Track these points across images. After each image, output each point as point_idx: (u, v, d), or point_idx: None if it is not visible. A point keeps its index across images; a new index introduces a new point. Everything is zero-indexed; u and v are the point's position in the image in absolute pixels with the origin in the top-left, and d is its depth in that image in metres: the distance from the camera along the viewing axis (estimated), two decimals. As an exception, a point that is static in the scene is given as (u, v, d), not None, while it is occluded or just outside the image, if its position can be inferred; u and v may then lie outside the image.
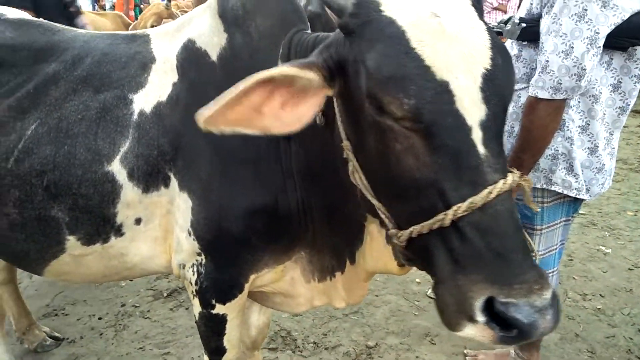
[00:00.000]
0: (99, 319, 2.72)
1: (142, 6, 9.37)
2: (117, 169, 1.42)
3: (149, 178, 1.43)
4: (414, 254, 1.01)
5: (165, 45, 1.51)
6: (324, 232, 1.43)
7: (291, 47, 1.33)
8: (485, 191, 0.86)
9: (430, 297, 2.90)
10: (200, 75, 1.41)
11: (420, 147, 0.89)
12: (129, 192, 1.44)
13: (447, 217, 0.88)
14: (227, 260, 1.49)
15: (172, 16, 4.48)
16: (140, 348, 2.48)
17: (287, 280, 1.59)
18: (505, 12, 5.72)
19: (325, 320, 2.67)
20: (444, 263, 0.91)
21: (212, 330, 1.63)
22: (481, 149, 0.88)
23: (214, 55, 1.40)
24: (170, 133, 1.40)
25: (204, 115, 0.94)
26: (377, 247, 1.34)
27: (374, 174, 1.03)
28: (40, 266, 1.58)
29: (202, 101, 1.36)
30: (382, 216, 1.04)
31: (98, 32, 1.67)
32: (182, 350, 2.46)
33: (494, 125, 0.90)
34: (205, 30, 1.44)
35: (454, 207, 0.87)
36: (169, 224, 1.51)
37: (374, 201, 1.05)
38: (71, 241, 1.49)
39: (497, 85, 0.91)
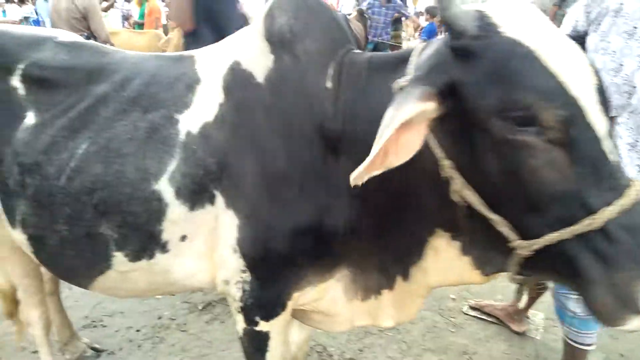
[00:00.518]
0: (137, 331, 2.76)
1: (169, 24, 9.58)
2: (164, 187, 1.44)
3: (195, 196, 1.45)
4: (544, 261, 1.05)
5: (210, 67, 1.53)
6: (372, 251, 1.42)
7: (342, 68, 1.34)
8: (632, 193, 0.94)
9: (467, 314, 2.85)
10: (246, 97, 1.43)
11: (561, 159, 0.96)
12: (176, 209, 1.46)
13: (595, 221, 0.94)
14: (271, 278, 1.50)
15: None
16: (178, 361, 2.51)
17: (329, 298, 1.58)
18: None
19: (361, 336, 2.65)
20: (590, 265, 0.97)
21: (255, 347, 1.63)
22: (611, 157, 0.97)
23: (260, 77, 1.42)
24: (216, 153, 1.42)
25: (357, 177, 1.03)
26: (445, 261, 1.31)
27: (495, 190, 1.06)
28: (88, 281, 1.62)
29: (248, 122, 1.42)
30: (504, 229, 1.07)
31: (145, 54, 1.71)
32: (218, 364, 2.47)
33: (610, 134, 0.99)
34: (252, 52, 1.46)
35: (605, 211, 0.94)
36: (214, 241, 1.52)
37: (493, 216, 1.07)
38: (118, 258, 1.52)
39: (603, 98, 1.00)
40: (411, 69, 1.19)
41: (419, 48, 1.24)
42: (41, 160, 1.51)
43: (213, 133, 1.43)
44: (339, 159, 1.35)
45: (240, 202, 1.43)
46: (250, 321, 1.57)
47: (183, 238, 1.51)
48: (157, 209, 1.46)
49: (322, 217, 1.39)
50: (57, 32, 1.78)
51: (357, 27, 7.88)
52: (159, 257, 1.53)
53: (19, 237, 1.61)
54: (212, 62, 1.54)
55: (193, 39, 2.96)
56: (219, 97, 1.47)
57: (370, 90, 1.31)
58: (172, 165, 1.44)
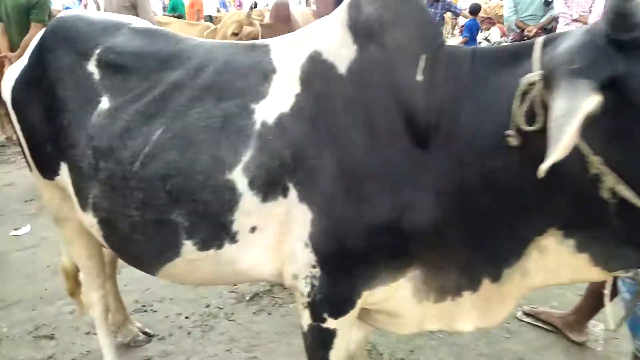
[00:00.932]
0: (186, 317, 2.78)
1: (215, 17, 9.63)
2: (238, 177, 1.42)
3: (269, 188, 1.42)
4: None
5: (286, 56, 1.50)
6: (456, 250, 1.36)
7: (438, 61, 1.28)
8: None
9: (521, 320, 2.75)
10: (326, 88, 1.38)
11: None
12: (248, 200, 1.43)
13: None
14: (342, 275, 1.46)
15: (252, 24, 4.54)
16: (227, 350, 2.51)
17: (397, 298, 1.53)
18: (585, 24, 5.43)
19: (412, 336, 2.59)
20: None
21: (320, 343, 1.60)
22: None
23: (342, 68, 1.37)
24: (292, 145, 1.39)
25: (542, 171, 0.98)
26: (553, 260, 1.26)
27: None
28: (155, 268, 1.62)
29: (328, 114, 1.37)
30: None
31: (219, 42, 1.70)
32: (268, 356, 2.46)
33: None
34: (333, 42, 1.41)
35: None
36: (283, 234, 1.49)
37: None
38: (187, 246, 1.51)
39: None
40: (537, 64, 1.13)
41: (540, 42, 1.17)
42: (115, 144, 1.51)
43: (290, 124, 1.40)
44: (427, 154, 1.30)
45: (315, 196, 1.39)
46: (317, 317, 1.53)
47: (253, 229, 1.49)
48: (229, 199, 1.44)
49: (404, 214, 1.34)
50: (132, 18, 1.79)
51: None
52: (227, 247, 1.52)
53: (89, 220, 1.62)
54: (288, 52, 1.51)
55: None
56: (296, 87, 1.43)
57: (477, 85, 1.25)
58: (247, 156, 1.41)
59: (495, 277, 1.36)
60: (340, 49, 1.39)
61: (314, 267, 1.46)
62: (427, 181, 1.30)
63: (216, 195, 1.44)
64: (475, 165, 1.25)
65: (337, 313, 1.51)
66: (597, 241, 1.18)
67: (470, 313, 1.45)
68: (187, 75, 1.54)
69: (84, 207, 1.63)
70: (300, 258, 1.47)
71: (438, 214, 1.32)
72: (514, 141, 1.15)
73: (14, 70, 1.79)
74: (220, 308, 2.87)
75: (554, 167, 0.99)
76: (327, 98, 1.37)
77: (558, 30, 5.86)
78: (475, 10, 9.24)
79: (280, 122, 1.41)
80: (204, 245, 1.51)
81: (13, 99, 1.76)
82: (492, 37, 9.78)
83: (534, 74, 1.10)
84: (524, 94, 1.12)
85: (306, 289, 1.50)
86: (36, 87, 1.69)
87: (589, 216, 1.15)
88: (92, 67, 1.64)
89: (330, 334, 1.55)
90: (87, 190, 1.59)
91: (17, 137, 1.87)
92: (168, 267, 1.58)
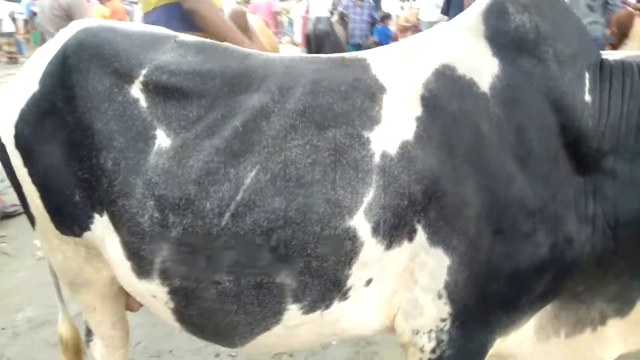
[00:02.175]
0: (196, 374, 2.41)
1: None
2: (360, 223, 1.17)
3: (394, 232, 1.20)
4: None
5: (394, 72, 1.28)
6: (613, 278, 1.23)
7: (605, 77, 1.14)
8: None
9: None
10: (465, 108, 1.18)
11: None
12: (370, 249, 1.19)
13: None
14: (481, 325, 1.27)
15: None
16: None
17: (516, 339, 1.37)
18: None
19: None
20: None
21: None
22: None
23: (484, 85, 1.18)
24: (424, 178, 1.17)
25: None
26: None
27: None
28: (244, 340, 1.31)
29: (469, 139, 1.17)
30: None
31: (295, 56, 1.43)
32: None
33: None
34: (466, 54, 1.22)
35: None
36: (403, 284, 1.27)
37: None
38: (291, 311, 1.24)
39: None
40: None
41: None
42: (192, 193, 1.19)
43: (418, 154, 1.18)
44: (591, 180, 1.15)
45: (453, 238, 1.18)
46: None
47: (368, 282, 1.25)
48: (349, 250, 1.19)
49: (566, 249, 1.17)
50: (173, 32, 1.45)
51: (339, 31, 7.70)
52: (335, 306, 1.26)
53: (152, 288, 1.28)
54: (395, 67, 1.28)
55: None
56: (416, 109, 1.22)
57: None
58: (369, 196, 1.17)
59: None
60: (480, 63, 1.20)
61: (443, 320, 1.25)
62: (590, 210, 1.15)
63: (334, 248, 1.18)
64: None
65: None
66: None
67: (612, 338, 1.32)
68: (272, 98, 1.26)
69: (143, 273, 1.28)
70: (428, 311, 1.25)
71: (601, 244, 1.17)
72: None
73: (13, 98, 1.38)
74: (233, 356, 2.53)
75: None
76: (467, 120, 1.18)
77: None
78: (384, 17, 9.57)
79: (406, 152, 1.18)
80: (311, 308, 1.24)
81: (18, 136, 1.35)
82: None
83: None
84: None
85: (429, 345, 1.29)
86: (57, 119, 1.31)
87: None
88: (136, 92, 1.29)
89: None
90: (151, 253, 1.24)
91: (16, 187, 1.44)
92: (262, 337, 1.29)
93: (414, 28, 10.74)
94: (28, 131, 1.34)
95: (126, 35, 1.37)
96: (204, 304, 1.25)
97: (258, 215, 1.17)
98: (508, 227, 1.16)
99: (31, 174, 1.37)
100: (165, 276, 1.25)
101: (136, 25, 1.51)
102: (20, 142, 1.36)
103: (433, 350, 1.29)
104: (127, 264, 1.30)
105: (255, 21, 5.15)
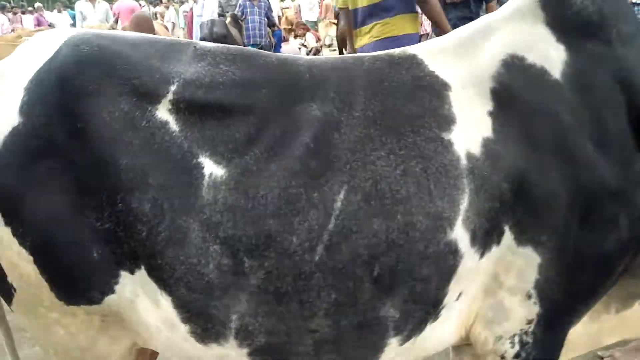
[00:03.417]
0: None
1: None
2: (460, 234, 1.07)
3: (488, 238, 1.11)
4: None
5: (452, 66, 1.18)
6: None
7: None
8: None
9: None
10: (541, 98, 1.13)
11: None
12: (468, 261, 1.10)
13: None
14: (564, 319, 1.24)
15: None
16: None
17: None
18: (421, 24, 6.04)
19: None
20: None
21: None
22: None
23: (555, 72, 1.14)
24: (511, 176, 1.10)
25: None
26: None
27: None
28: None
29: (550, 129, 1.13)
30: None
31: (337, 58, 1.26)
32: None
33: None
34: (530, 43, 1.16)
35: None
36: (481, 290, 1.19)
37: None
38: (391, 345, 1.10)
39: None
40: None
41: None
42: (272, 227, 1.00)
43: (501, 150, 1.11)
44: None
45: (543, 233, 1.13)
46: None
47: (459, 296, 1.16)
48: (450, 266, 1.08)
49: (638, 227, 1.17)
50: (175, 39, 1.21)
51: (235, 33, 7.44)
52: (427, 328, 1.15)
53: (228, 353, 1.05)
54: (451, 62, 1.19)
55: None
56: (485, 103, 1.14)
57: None
58: (465, 202, 1.08)
59: None
60: (547, 50, 1.15)
61: (529, 321, 1.20)
62: None
63: (437, 266, 1.06)
64: None
65: None
66: None
67: None
68: (334, 106, 1.10)
69: (211, 336, 1.04)
70: (515, 314, 1.19)
71: None
72: None
73: None
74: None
75: None
76: (545, 110, 1.12)
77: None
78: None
79: (489, 151, 1.10)
80: (408, 337, 1.11)
81: None
82: (308, 42, 10.16)
83: None
84: None
85: (513, 350, 1.23)
86: (56, 159, 1.02)
87: None
88: (164, 113, 1.05)
89: None
90: (224, 309, 1.01)
91: None
92: None
93: (303, 27, 10.87)
94: (10, 180, 1.02)
95: (132, 44, 1.11)
96: (298, 357, 1.05)
97: (356, 243, 1.00)
98: (594, 214, 1.13)
99: (19, 236, 1.05)
100: (244, 335, 1.03)
101: (145, 36, 1.22)
102: (1, 195, 1.03)
103: (517, 355, 1.22)
104: (184, 329, 1.05)
105: (157, 28, 4.77)
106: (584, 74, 1.14)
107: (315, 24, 12.59)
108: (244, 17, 7.84)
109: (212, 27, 6.82)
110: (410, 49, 1.25)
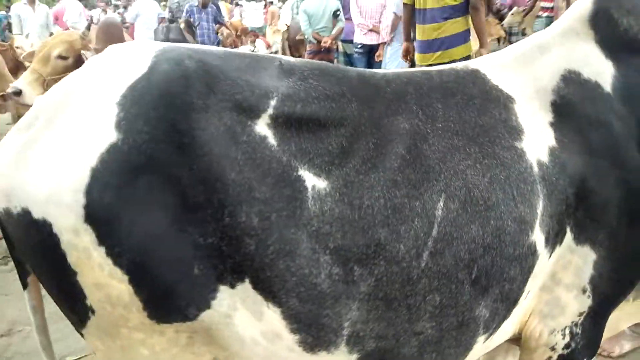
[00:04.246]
0: None
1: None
2: (537, 236, 1.17)
3: (556, 239, 1.22)
4: None
5: (513, 81, 1.28)
6: None
7: None
8: None
9: None
10: (596, 110, 1.25)
11: None
12: (542, 261, 1.20)
13: None
14: (609, 310, 1.36)
15: (87, 47, 3.59)
16: None
17: None
18: (378, 33, 6.25)
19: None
20: None
21: None
22: None
23: (607, 86, 1.26)
24: (575, 181, 1.22)
25: None
26: None
27: None
28: None
29: (606, 138, 1.26)
30: None
31: (405, 70, 1.32)
32: None
33: None
34: (585, 59, 1.28)
35: None
36: (538, 287, 1.30)
37: None
38: (479, 343, 1.17)
39: None
40: None
41: None
42: (381, 236, 1.04)
43: (565, 158, 1.22)
44: None
45: (599, 233, 1.25)
46: None
47: (527, 294, 1.25)
48: (530, 266, 1.18)
49: None
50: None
51: (189, 39, 7.30)
52: (502, 326, 1.23)
53: (340, 359, 1.07)
54: (512, 76, 1.29)
55: None
56: (545, 115, 1.25)
57: None
58: (540, 206, 1.17)
59: None
60: (598, 66, 1.27)
61: (580, 314, 1.32)
62: None
63: (522, 266, 1.15)
64: None
65: (594, 353, 1.40)
66: None
67: None
68: (419, 119, 1.16)
69: (322, 344, 1.05)
70: (569, 308, 1.30)
71: None
72: None
73: (55, 155, 1.01)
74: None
75: None
76: (600, 120, 1.24)
77: (356, 40, 6.51)
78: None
79: (556, 158, 1.21)
80: (491, 335, 1.19)
81: (92, 206, 0.98)
82: (258, 48, 10.14)
83: None
84: None
85: (564, 341, 1.34)
86: (159, 175, 1.00)
87: None
88: (263, 128, 1.06)
89: None
90: (336, 317, 1.03)
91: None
92: None
93: (254, 34, 10.83)
94: (111, 197, 0.99)
95: (225, 59, 1.11)
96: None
97: (458, 248, 1.07)
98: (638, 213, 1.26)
99: (113, 254, 1.01)
100: (355, 341, 1.06)
101: (213, 48, 1.22)
102: (97, 214, 0.99)
103: (567, 346, 1.34)
104: (291, 339, 1.06)
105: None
106: (631, 87, 1.27)
107: (260, 30, 12.59)
108: (197, 23, 7.71)
109: (168, 33, 6.67)
110: (471, 64, 1.34)
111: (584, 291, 1.28)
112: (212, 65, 1.06)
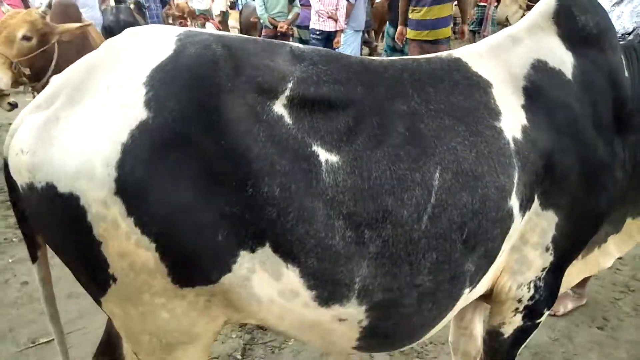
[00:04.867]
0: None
1: None
2: (514, 202, 1.36)
3: (527, 205, 1.42)
4: None
5: (490, 68, 1.46)
6: (620, 205, 1.61)
7: (630, 56, 1.54)
8: None
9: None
10: (560, 94, 1.45)
11: None
12: (516, 224, 1.39)
13: None
14: (565, 266, 1.59)
15: (48, 26, 3.47)
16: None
17: None
18: (336, 21, 6.38)
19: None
20: None
21: (522, 340, 1.68)
22: None
23: (568, 74, 1.46)
24: (543, 155, 1.42)
25: None
26: None
27: None
28: (425, 334, 1.36)
29: (568, 118, 1.49)
30: None
31: (395, 58, 1.46)
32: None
33: None
34: (550, 50, 1.48)
35: None
36: (509, 247, 1.49)
37: None
38: (464, 293, 1.36)
39: None
40: None
41: None
42: (387, 204, 1.19)
43: (535, 136, 1.41)
44: (624, 134, 1.52)
45: (562, 199, 1.46)
46: (537, 315, 1.61)
47: (502, 253, 1.44)
48: (507, 228, 1.37)
49: (616, 190, 1.54)
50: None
51: (140, 20, 7.12)
52: (481, 281, 1.43)
53: (348, 311, 1.23)
54: (489, 64, 1.47)
55: None
56: (518, 98, 1.44)
57: None
58: (516, 177, 1.37)
59: (638, 214, 1.71)
60: (562, 57, 1.47)
61: (544, 269, 1.53)
62: (621, 157, 1.53)
63: (502, 228, 1.33)
64: None
65: (553, 302, 1.63)
66: None
67: (612, 250, 1.77)
68: (415, 102, 1.31)
69: (335, 298, 1.19)
70: (535, 264, 1.51)
71: (624, 182, 1.55)
72: None
73: (88, 130, 1.08)
74: None
75: None
76: (563, 103, 1.44)
77: (313, 27, 6.60)
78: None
79: (528, 136, 1.40)
80: (473, 289, 1.38)
81: (123, 180, 1.06)
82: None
83: None
84: None
85: (529, 294, 1.56)
86: (189, 150, 1.09)
87: None
88: (280, 108, 1.17)
89: (535, 327, 1.66)
90: (349, 273, 1.17)
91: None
92: (437, 327, 1.36)
93: (204, 17, 10.62)
94: (141, 171, 1.07)
95: (243, 43, 1.21)
96: (404, 310, 1.25)
97: (452, 213, 1.24)
98: (594, 182, 1.48)
99: (142, 224, 1.10)
100: (365, 294, 1.21)
101: (230, 34, 1.30)
102: (128, 187, 1.07)
103: (531, 297, 1.56)
104: (308, 295, 1.19)
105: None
106: (587, 74, 1.48)
107: (207, 12, 12.36)
108: (147, 5, 7.52)
109: (119, 14, 6.48)
110: (455, 53, 1.50)
111: (547, 249, 1.49)
112: (237, 49, 1.16)
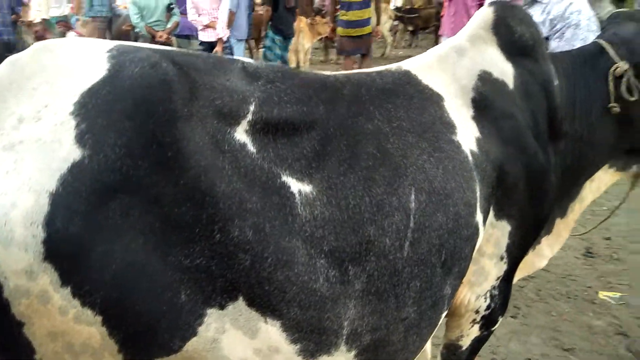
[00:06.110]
0: None
1: None
2: (479, 216, 1.33)
3: (486, 217, 1.40)
4: None
5: (438, 81, 1.42)
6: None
7: (556, 65, 1.59)
8: None
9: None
10: (505, 104, 1.45)
11: None
12: (480, 237, 1.37)
13: None
14: (515, 270, 1.60)
15: None
16: None
17: None
18: (215, 29, 6.14)
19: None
20: None
21: (476, 351, 1.68)
22: None
23: (510, 84, 1.48)
24: (496, 166, 1.41)
25: None
26: (598, 183, 1.71)
27: None
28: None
29: (512, 128, 1.53)
30: None
31: (349, 73, 1.34)
32: None
33: None
34: (493, 61, 1.48)
35: None
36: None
37: None
38: (443, 317, 1.29)
39: None
40: (617, 58, 1.58)
41: (605, 44, 1.62)
42: (370, 233, 1.08)
43: (487, 147, 1.41)
44: (555, 140, 1.57)
45: (512, 208, 1.47)
46: (493, 323, 1.62)
47: (467, 267, 1.41)
48: (474, 244, 1.35)
49: (551, 195, 1.58)
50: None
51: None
52: (452, 301, 1.38)
53: (339, 359, 1.07)
54: (436, 77, 1.44)
55: None
56: (467, 110, 1.43)
57: (583, 79, 1.62)
58: (478, 191, 1.34)
59: (563, 214, 1.78)
60: (503, 67, 1.48)
61: (498, 278, 1.54)
62: (553, 161, 1.57)
63: (471, 245, 1.29)
64: (585, 133, 1.62)
65: (506, 309, 1.65)
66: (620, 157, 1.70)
67: (545, 250, 1.82)
68: (379, 119, 1.22)
69: (324, 348, 1.03)
70: (491, 274, 1.51)
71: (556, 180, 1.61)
72: (617, 109, 1.59)
73: (15, 183, 0.82)
74: None
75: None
76: (508, 113, 1.45)
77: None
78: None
79: (482, 148, 1.38)
80: (447, 309, 1.32)
81: (55, 240, 0.82)
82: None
83: (622, 64, 1.56)
84: (618, 78, 1.57)
85: (484, 304, 1.55)
86: (136, 195, 0.87)
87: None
88: (242, 135, 1.00)
89: (490, 335, 1.67)
90: (336, 319, 1.03)
91: None
92: (418, 356, 1.27)
93: (63, 25, 9.58)
94: (78, 226, 0.84)
95: (192, 60, 1.01)
96: (391, 348, 1.14)
97: (430, 235, 1.16)
98: (538, 188, 1.51)
99: (82, 294, 0.87)
100: (354, 338, 1.07)
101: (172, 49, 1.07)
102: (61, 249, 0.83)
103: (488, 307, 1.56)
104: (291, 349, 1.02)
105: None
106: (526, 84, 1.51)
107: (62, 19, 11.17)
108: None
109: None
110: (403, 65, 1.44)
111: (502, 258, 1.49)
112: (189, 68, 0.96)
